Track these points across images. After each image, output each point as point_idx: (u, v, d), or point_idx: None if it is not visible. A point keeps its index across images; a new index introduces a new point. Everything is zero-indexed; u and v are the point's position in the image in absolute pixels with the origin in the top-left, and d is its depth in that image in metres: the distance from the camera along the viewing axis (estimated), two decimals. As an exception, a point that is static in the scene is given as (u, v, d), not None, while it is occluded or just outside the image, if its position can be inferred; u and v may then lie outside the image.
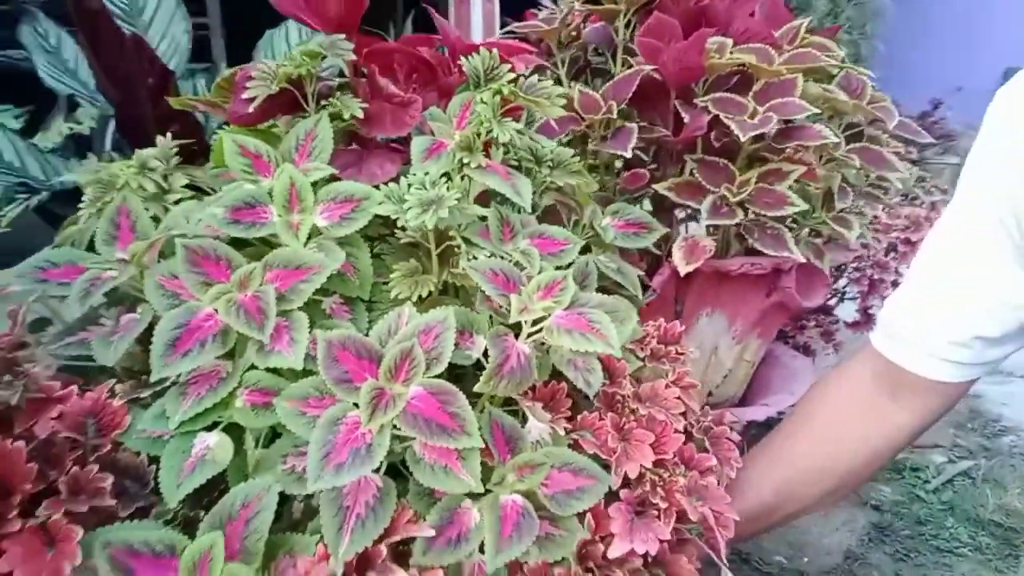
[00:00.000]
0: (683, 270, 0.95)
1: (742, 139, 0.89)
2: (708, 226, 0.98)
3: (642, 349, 0.71)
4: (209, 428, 0.53)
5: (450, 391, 0.51)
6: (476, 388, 0.53)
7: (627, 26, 1.10)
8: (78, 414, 0.53)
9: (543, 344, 0.59)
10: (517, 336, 0.57)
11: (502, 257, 0.61)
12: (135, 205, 0.62)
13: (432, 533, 0.50)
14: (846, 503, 1.37)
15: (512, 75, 0.68)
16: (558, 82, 1.12)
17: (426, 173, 0.61)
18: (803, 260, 0.96)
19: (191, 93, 1.29)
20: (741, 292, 1.09)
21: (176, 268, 0.57)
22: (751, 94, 0.98)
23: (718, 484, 0.66)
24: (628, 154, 0.91)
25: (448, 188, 0.60)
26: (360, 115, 0.65)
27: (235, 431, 0.53)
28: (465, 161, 0.64)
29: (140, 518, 0.51)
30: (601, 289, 0.76)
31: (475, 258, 0.59)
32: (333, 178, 0.64)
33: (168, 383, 0.53)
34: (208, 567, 0.47)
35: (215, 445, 0.52)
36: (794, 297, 1.08)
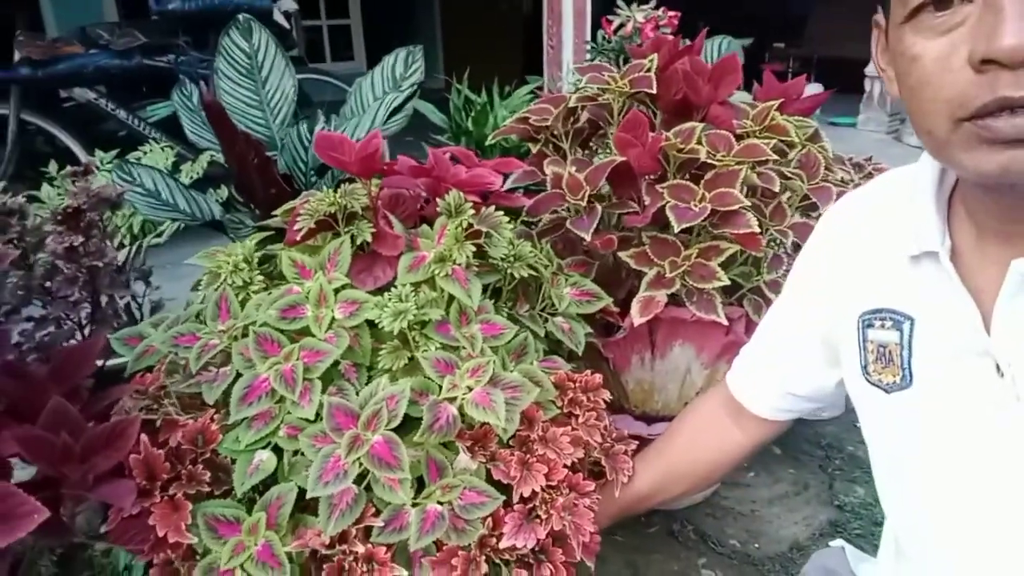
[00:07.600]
0: (636, 322, 1.22)
1: (676, 228, 1.14)
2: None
3: (562, 399, 1.01)
4: (264, 447, 0.90)
5: (396, 441, 0.84)
6: (415, 439, 0.86)
7: (620, 112, 1.35)
8: (193, 431, 0.91)
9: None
10: (452, 401, 0.90)
11: (448, 346, 0.93)
12: (230, 295, 0.99)
13: (383, 524, 0.85)
14: (814, 500, 1.60)
15: (472, 210, 0.97)
16: (560, 153, 1.38)
17: (404, 285, 0.93)
18: (726, 323, 1.20)
19: (297, 137, 1.65)
20: (702, 331, 1.34)
21: (249, 344, 0.93)
22: (703, 182, 1.21)
23: (612, 484, 0.96)
24: (588, 237, 1.18)
25: (419, 296, 0.92)
26: (370, 239, 0.98)
27: (278, 450, 0.90)
28: (437, 272, 0.96)
29: (224, 497, 0.89)
30: (556, 343, 1.07)
31: (429, 345, 0.92)
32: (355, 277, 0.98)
33: (242, 419, 0.90)
34: (256, 530, 0.84)
35: (267, 459, 0.89)
36: (743, 338, 1.33)
